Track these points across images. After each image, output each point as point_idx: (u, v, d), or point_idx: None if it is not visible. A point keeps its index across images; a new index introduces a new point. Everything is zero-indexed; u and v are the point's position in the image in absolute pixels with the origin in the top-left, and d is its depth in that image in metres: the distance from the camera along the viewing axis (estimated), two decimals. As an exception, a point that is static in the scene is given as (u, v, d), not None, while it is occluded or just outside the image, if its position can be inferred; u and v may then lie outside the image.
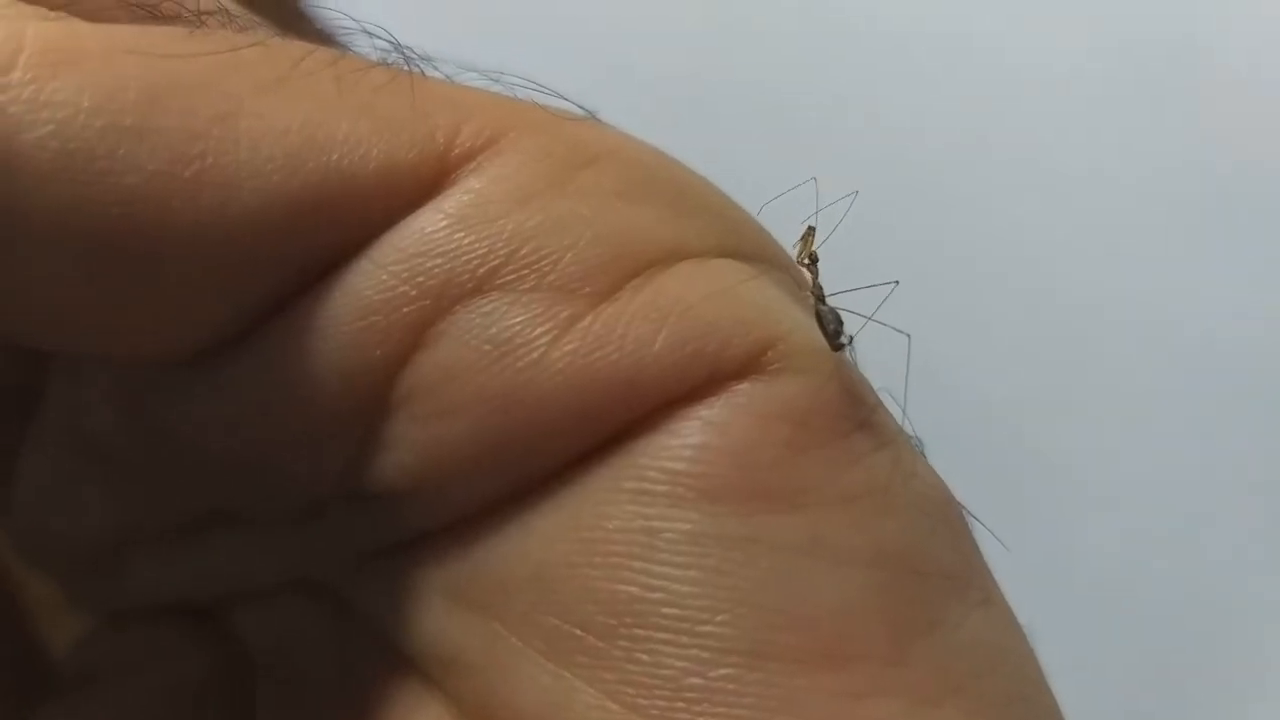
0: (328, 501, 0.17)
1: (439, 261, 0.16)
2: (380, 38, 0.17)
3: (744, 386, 0.16)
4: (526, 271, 0.16)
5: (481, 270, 0.16)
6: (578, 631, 0.15)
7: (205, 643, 0.19)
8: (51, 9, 0.16)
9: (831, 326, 0.16)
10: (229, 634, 0.19)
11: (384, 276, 0.16)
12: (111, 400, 0.18)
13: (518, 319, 0.16)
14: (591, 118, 0.18)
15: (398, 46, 0.17)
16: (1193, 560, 0.43)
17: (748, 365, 0.16)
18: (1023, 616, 0.17)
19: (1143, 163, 0.46)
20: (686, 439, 0.16)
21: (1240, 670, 0.42)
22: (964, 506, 0.17)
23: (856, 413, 0.16)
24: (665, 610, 0.15)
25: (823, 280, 0.17)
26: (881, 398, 0.17)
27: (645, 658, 0.15)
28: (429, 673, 0.17)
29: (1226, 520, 0.43)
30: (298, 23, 0.18)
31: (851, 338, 0.17)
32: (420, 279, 0.16)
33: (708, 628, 0.15)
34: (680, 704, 0.15)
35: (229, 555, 0.19)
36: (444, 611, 0.17)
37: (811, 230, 0.18)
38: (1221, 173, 0.46)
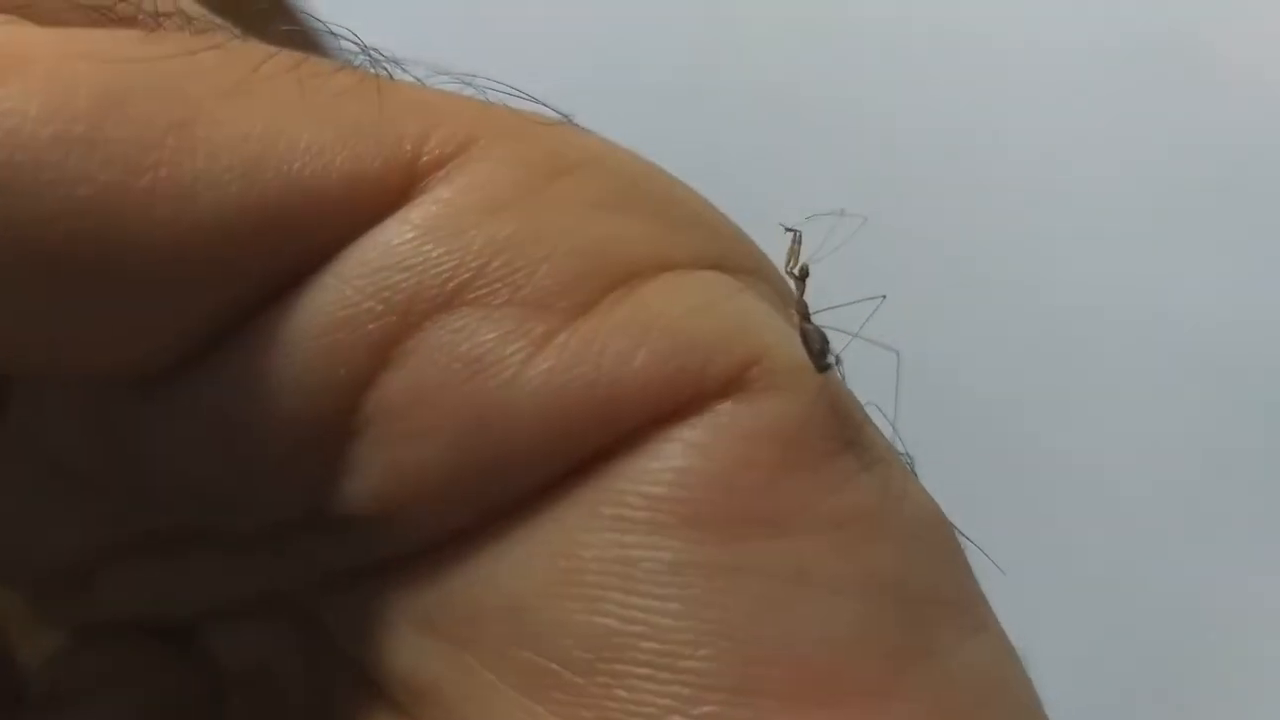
0: (295, 523, 0.17)
1: (405, 276, 0.15)
2: (346, 39, 0.17)
3: (727, 406, 0.15)
4: (499, 285, 0.15)
5: (451, 284, 0.15)
6: (554, 666, 0.15)
7: (176, 662, 0.19)
8: (1, 13, 0.16)
9: (816, 346, 0.16)
10: (201, 653, 0.19)
11: (348, 291, 0.15)
12: (74, 417, 0.18)
13: (489, 336, 0.15)
14: (569, 123, 0.17)
15: (364, 48, 0.17)
16: (1188, 580, 0.43)
17: (731, 383, 0.15)
18: (1017, 640, 0.17)
19: (1130, 167, 0.46)
20: (667, 462, 0.15)
21: (1240, 684, 0.42)
22: (956, 528, 0.17)
23: (844, 432, 0.16)
24: (645, 644, 0.15)
25: (810, 295, 0.17)
26: (870, 412, 0.17)
27: (624, 694, 0.15)
28: (400, 701, 0.16)
29: (1222, 542, 0.43)
30: (272, 19, 0.18)
31: (838, 356, 0.16)
32: (386, 294, 0.15)
33: (690, 662, 0.14)
34: None
35: (199, 573, 0.18)
36: (415, 641, 0.16)
37: (798, 240, 0.17)
38: (1212, 170, 0.46)
